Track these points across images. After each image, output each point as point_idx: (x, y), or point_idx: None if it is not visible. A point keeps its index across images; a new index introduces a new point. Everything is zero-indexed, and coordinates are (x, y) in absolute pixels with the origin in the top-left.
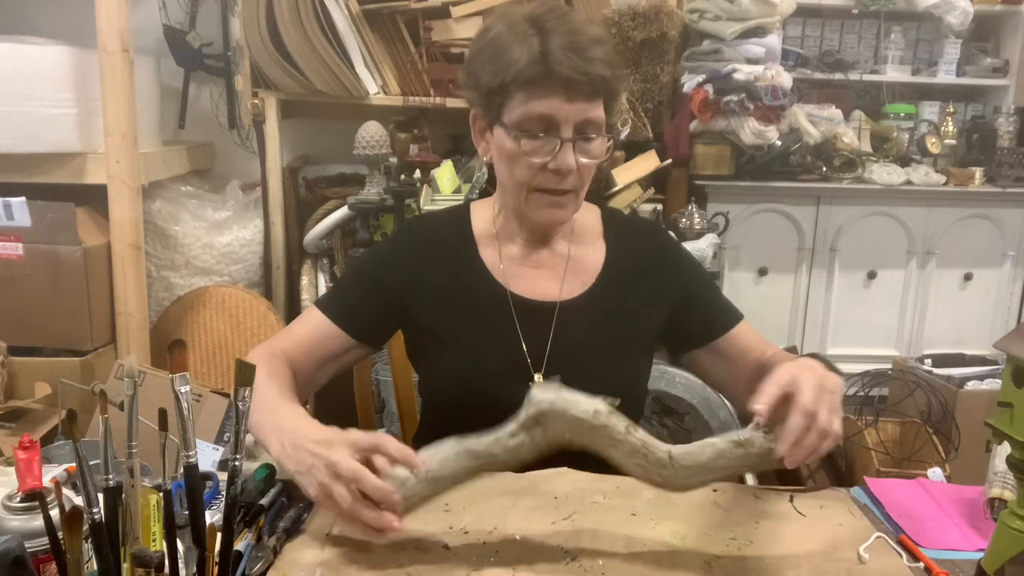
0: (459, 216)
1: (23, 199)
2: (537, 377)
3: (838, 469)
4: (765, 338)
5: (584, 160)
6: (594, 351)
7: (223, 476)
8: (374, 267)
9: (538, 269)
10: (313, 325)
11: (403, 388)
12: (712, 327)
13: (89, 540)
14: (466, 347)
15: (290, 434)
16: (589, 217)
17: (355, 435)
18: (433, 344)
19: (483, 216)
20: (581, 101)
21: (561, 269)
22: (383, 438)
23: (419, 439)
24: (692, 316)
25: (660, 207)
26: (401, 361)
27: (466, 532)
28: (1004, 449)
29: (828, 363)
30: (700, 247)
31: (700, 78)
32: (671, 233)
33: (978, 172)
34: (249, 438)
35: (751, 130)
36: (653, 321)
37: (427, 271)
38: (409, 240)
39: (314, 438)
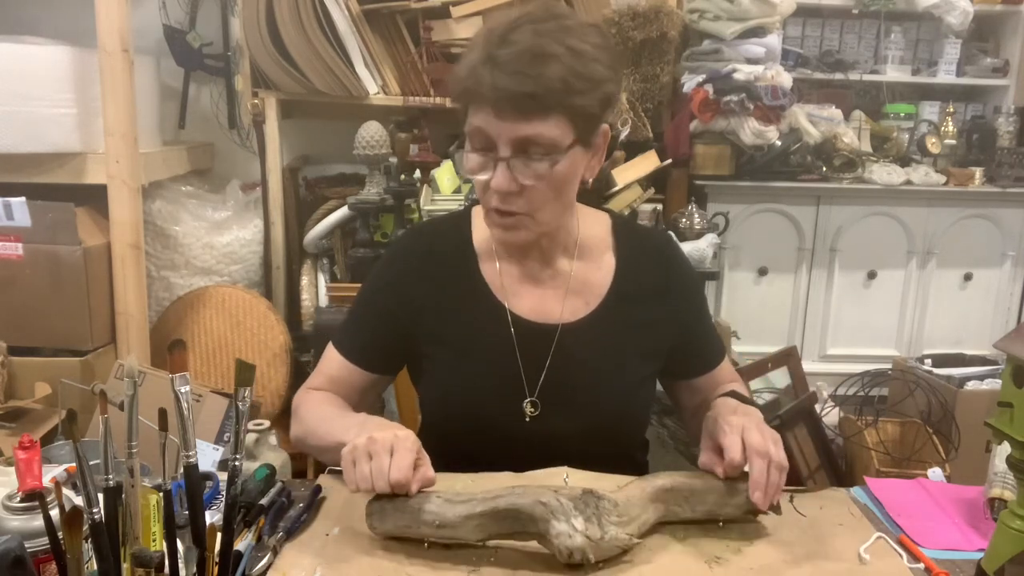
0: (460, 225)
1: (23, 199)
2: (528, 402)
3: (838, 469)
4: (734, 370)
5: (527, 181)
6: (592, 378)
7: (223, 476)
8: (378, 295)
9: (539, 287)
10: (336, 366)
11: (403, 389)
12: (698, 365)
13: (89, 540)
14: (463, 367)
15: (367, 429)
16: (597, 228)
17: (407, 454)
18: (431, 363)
19: (484, 225)
20: (512, 118)
21: (563, 288)
22: (419, 475)
23: (421, 439)
24: (682, 350)
25: (660, 207)
26: (400, 374)
27: None
28: (1004, 449)
29: (741, 397)
30: (700, 247)
31: (700, 78)
32: (677, 242)
33: (978, 172)
34: (250, 437)
35: (751, 130)
36: (657, 346)
37: (427, 289)
38: (408, 258)
39: (371, 433)
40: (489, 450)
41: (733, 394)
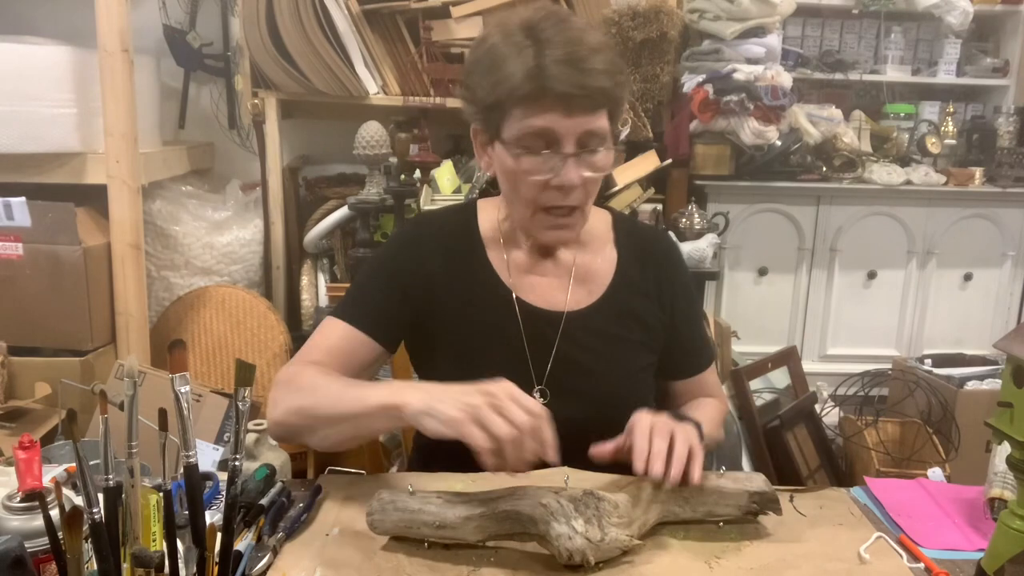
0: (466, 214)
1: (23, 199)
2: (537, 389)
3: (838, 469)
4: (719, 384)
5: (588, 174)
6: (598, 365)
7: (223, 476)
8: (384, 265)
9: (544, 277)
10: (340, 336)
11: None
12: (684, 368)
13: (89, 540)
14: (469, 352)
15: (437, 390)
16: (598, 223)
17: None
18: (436, 345)
19: (490, 217)
20: (581, 114)
21: (567, 278)
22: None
23: (421, 439)
24: (671, 350)
25: (660, 207)
26: (401, 361)
27: None
28: (1004, 449)
29: (682, 416)
30: (700, 247)
31: (700, 78)
32: (677, 242)
33: (978, 172)
34: (250, 437)
35: (751, 130)
36: (653, 339)
37: (434, 269)
38: (416, 236)
39: (474, 388)
40: None
41: (676, 414)
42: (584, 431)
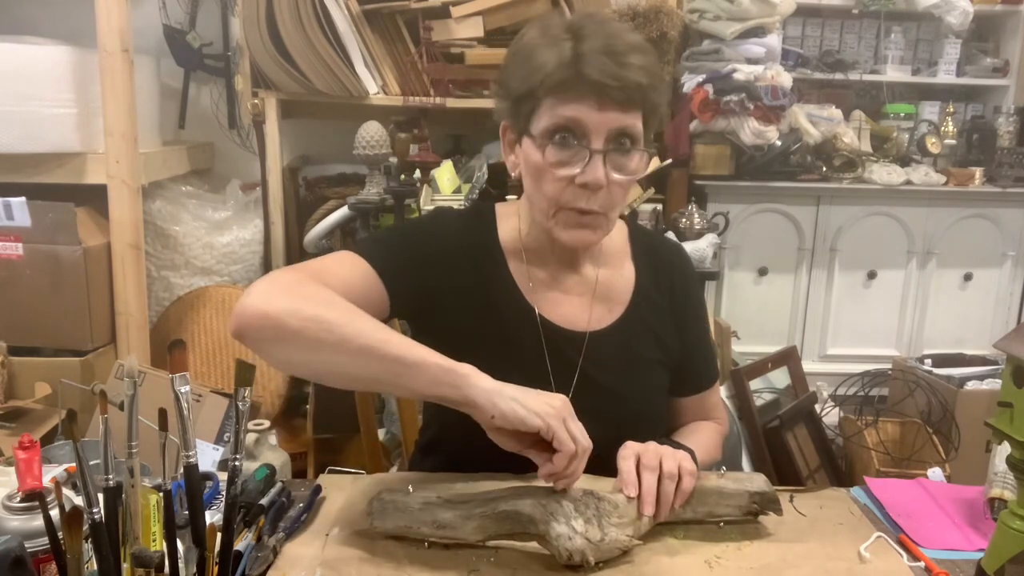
0: (484, 220)
1: (23, 199)
2: None
3: (838, 469)
4: (721, 401)
5: (617, 176)
6: (619, 386)
7: (223, 476)
8: (410, 236)
9: (567, 295)
10: (362, 273)
11: None
12: (689, 385)
13: (89, 540)
14: (492, 368)
15: (503, 384)
16: (616, 235)
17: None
18: (449, 353)
19: (509, 225)
20: (613, 109)
21: (589, 296)
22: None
23: (423, 444)
24: (678, 366)
25: (660, 207)
26: None
27: None
28: (1004, 449)
29: (676, 444)
30: (700, 247)
31: (700, 78)
32: (689, 256)
33: (978, 172)
34: (250, 437)
35: (751, 130)
36: (668, 356)
37: (455, 267)
38: (443, 228)
39: (544, 394)
40: (509, 456)
41: (669, 440)
42: (603, 453)
